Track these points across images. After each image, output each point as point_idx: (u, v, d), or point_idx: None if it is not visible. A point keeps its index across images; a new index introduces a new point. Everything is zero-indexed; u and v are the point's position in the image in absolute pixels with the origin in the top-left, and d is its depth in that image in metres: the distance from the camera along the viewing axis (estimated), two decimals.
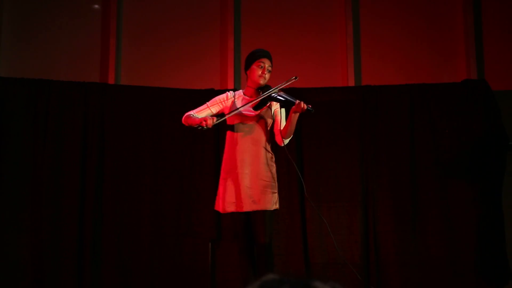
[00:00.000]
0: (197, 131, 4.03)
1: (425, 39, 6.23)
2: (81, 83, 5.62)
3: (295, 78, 3.89)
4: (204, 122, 3.83)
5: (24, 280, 5.19)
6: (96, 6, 6.29)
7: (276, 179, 4.06)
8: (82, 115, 5.54)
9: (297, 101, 3.84)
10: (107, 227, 5.43)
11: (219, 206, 4.06)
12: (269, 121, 4.10)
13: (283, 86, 3.94)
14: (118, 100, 5.66)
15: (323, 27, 6.30)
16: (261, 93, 3.97)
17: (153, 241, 5.48)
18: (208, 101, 4.17)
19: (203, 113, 4.06)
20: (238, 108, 3.98)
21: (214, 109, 4.11)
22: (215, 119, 3.89)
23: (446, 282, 5.32)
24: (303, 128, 5.64)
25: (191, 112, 4.06)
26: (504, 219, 5.36)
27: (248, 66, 4.10)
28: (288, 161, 5.19)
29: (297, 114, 3.90)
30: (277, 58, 6.04)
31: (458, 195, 5.46)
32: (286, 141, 4.06)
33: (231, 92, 4.21)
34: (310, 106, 3.87)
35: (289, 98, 3.92)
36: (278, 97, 3.93)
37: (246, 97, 4.11)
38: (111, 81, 5.98)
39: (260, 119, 4.04)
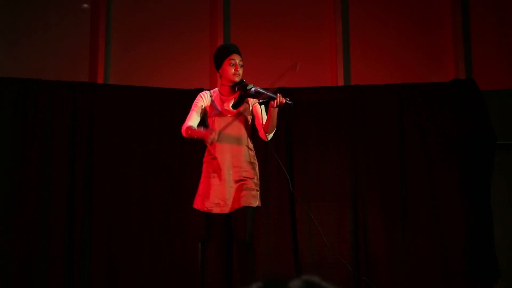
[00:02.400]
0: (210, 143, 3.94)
1: (414, 39, 6.26)
2: (70, 82, 5.60)
3: (296, 66, 3.79)
4: (210, 137, 3.77)
5: (12, 283, 5.15)
6: (85, 5, 6.27)
7: (258, 177, 4.00)
8: (71, 115, 5.52)
9: (277, 96, 3.75)
10: (96, 227, 5.41)
11: (197, 204, 4.01)
12: (249, 117, 4.04)
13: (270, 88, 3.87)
14: (107, 99, 5.64)
15: (312, 27, 6.31)
16: (236, 90, 3.93)
17: (143, 242, 5.46)
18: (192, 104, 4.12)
19: (194, 119, 4.01)
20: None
21: (200, 111, 4.03)
22: (217, 132, 3.85)
23: (435, 281, 5.34)
24: (292, 127, 5.66)
25: (188, 124, 3.96)
26: (493, 218, 5.38)
27: (219, 65, 4.01)
28: (277, 160, 5.20)
29: (277, 109, 3.83)
30: (266, 58, 6.08)
31: (447, 194, 5.48)
32: (270, 135, 3.98)
33: (206, 92, 4.10)
34: (289, 99, 3.80)
35: (266, 93, 3.80)
36: (256, 94, 3.85)
37: (223, 96, 4.03)
38: (100, 80, 5.97)
39: (239, 116, 3.98)
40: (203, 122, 4.03)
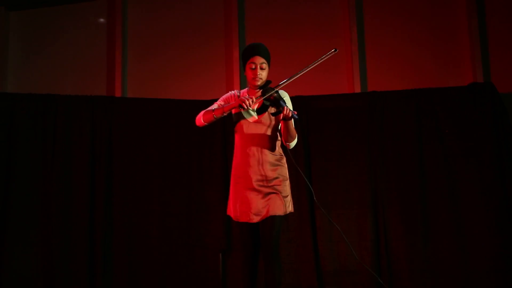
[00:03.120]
0: (241, 110, 3.83)
1: (430, 43, 6.22)
2: (88, 97, 5.66)
3: (335, 50, 3.70)
4: (243, 103, 3.69)
5: None
6: (102, 20, 6.33)
7: (287, 181, 3.94)
8: (90, 128, 5.58)
9: (284, 108, 3.69)
10: (117, 238, 5.45)
11: (230, 211, 3.99)
12: (273, 123, 3.97)
13: (292, 80, 3.82)
14: (125, 112, 5.69)
15: (328, 34, 6.30)
16: (259, 93, 3.84)
17: (164, 252, 5.48)
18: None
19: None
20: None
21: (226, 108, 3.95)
22: (253, 99, 3.75)
23: None
24: (310, 135, 5.65)
25: (208, 109, 3.91)
26: None
27: (243, 67, 3.98)
28: (296, 168, 5.19)
29: (286, 121, 3.78)
30: (282, 66, 6.07)
31: (468, 199, 5.42)
32: (290, 144, 3.92)
33: (236, 91, 4.07)
34: (296, 113, 3.73)
35: (277, 104, 3.75)
36: (271, 102, 3.78)
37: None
38: (117, 93, 6.02)
39: (264, 121, 3.92)
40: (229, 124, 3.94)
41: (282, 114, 3.70)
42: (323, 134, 5.65)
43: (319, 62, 3.73)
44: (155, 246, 5.48)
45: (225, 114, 3.85)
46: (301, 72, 3.78)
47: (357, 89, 6.06)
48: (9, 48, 6.06)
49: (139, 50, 6.28)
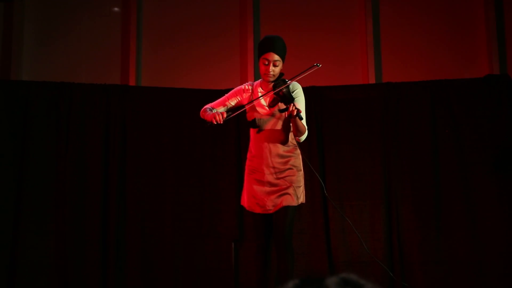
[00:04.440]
0: (207, 127, 3.92)
1: (446, 35, 6.18)
2: (103, 85, 5.67)
3: (317, 65, 3.74)
4: (214, 119, 3.80)
5: (49, 284, 5.24)
6: (116, 8, 6.34)
7: (300, 171, 3.93)
8: (104, 117, 5.60)
9: (290, 105, 3.68)
10: (130, 228, 5.47)
11: (244, 201, 4.03)
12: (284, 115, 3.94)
13: (303, 75, 3.83)
14: (139, 101, 5.70)
15: (343, 25, 6.28)
16: (271, 86, 3.84)
17: (176, 242, 5.50)
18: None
19: (221, 106, 4.04)
20: (251, 102, 3.94)
21: (233, 102, 4.03)
22: (225, 114, 3.84)
23: (471, 281, 5.25)
24: (324, 126, 5.63)
25: (208, 106, 4.04)
26: None
27: (258, 58, 3.96)
28: (310, 160, 5.19)
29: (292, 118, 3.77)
30: (297, 57, 6.05)
31: (483, 192, 5.39)
32: (301, 138, 3.90)
33: (249, 83, 4.08)
34: (301, 112, 3.73)
35: (286, 100, 3.76)
36: (281, 96, 3.79)
37: (262, 91, 3.99)
38: (132, 82, 6.03)
39: (276, 114, 3.91)
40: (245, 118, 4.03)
41: (287, 112, 3.70)
42: (337, 125, 5.64)
43: (302, 75, 3.82)
44: (168, 235, 5.50)
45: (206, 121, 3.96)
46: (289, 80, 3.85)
47: (372, 80, 6.04)
48: (24, 37, 6.09)
49: (154, 39, 6.29)
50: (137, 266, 5.43)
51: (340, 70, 6.13)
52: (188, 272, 5.47)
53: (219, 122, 3.79)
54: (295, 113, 3.67)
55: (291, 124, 3.89)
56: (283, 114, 3.85)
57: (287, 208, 3.84)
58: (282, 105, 3.83)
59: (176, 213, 5.55)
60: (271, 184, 3.87)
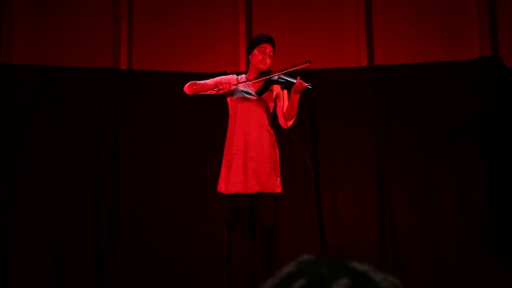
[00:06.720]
0: (209, 92, 4.05)
1: (438, 16, 6.16)
2: (94, 69, 5.64)
3: (309, 61, 3.89)
4: (220, 85, 3.85)
5: (42, 272, 5.22)
6: None
7: (279, 163, 4.06)
8: (96, 101, 5.57)
9: (298, 80, 3.81)
10: (123, 212, 5.46)
11: (221, 187, 4.07)
12: (271, 104, 4.12)
13: (295, 68, 3.94)
14: (132, 85, 5.68)
15: (335, 6, 6.25)
16: (261, 77, 4.00)
17: (169, 225, 5.51)
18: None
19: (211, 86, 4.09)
20: (241, 82, 4.05)
21: (214, 89, 4.06)
22: (233, 83, 3.99)
23: (463, 262, 5.30)
24: (316, 109, 5.64)
25: (197, 81, 4.10)
26: None
27: (250, 51, 4.11)
28: (303, 143, 5.21)
29: (298, 94, 3.88)
30: (289, 39, 6.03)
31: (474, 174, 5.43)
32: (290, 123, 4.02)
33: (233, 76, 4.20)
34: (310, 84, 3.88)
35: (289, 79, 3.93)
36: (279, 79, 3.96)
37: (249, 82, 4.10)
38: (123, 66, 5.98)
39: (262, 102, 4.05)
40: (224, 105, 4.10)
41: (297, 86, 3.78)
42: (329, 108, 5.64)
43: (293, 69, 3.98)
44: (161, 219, 5.50)
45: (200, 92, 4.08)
46: (277, 72, 3.99)
47: (364, 62, 6.03)
48: (13, 19, 6.02)
49: (146, 21, 6.22)
50: (130, 249, 5.42)
51: (332, 52, 6.12)
52: (180, 255, 5.48)
53: (224, 91, 3.96)
54: (304, 84, 3.75)
55: (277, 112, 4.03)
56: (266, 102, 4.03)
57: (270, 195, 3.94)
58: (275, 89, 3.99)
59: (169, 196, 5.55)
60: (253, 162, 3.94)
